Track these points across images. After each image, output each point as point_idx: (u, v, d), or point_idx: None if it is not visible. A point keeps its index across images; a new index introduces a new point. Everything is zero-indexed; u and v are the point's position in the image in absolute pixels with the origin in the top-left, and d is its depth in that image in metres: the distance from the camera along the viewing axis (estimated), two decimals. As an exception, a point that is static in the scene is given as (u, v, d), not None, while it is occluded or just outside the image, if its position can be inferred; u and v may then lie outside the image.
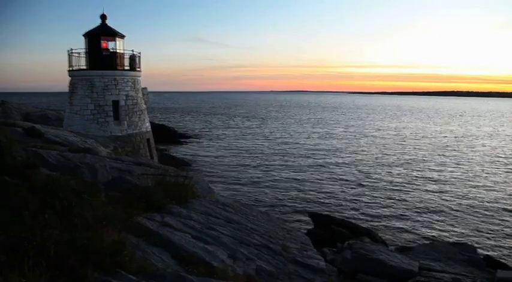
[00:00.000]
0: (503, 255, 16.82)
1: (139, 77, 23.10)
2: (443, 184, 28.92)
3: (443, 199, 25.07)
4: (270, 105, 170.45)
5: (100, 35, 21.55)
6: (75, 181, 5.59)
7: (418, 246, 14.98)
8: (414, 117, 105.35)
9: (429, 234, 19.27)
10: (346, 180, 29.65)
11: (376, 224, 20.57)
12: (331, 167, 34.74)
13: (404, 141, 53.11)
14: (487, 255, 15.41)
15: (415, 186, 28.17)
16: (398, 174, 32.12)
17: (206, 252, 5.21)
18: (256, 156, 39.54)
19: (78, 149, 10.86)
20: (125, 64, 22.28)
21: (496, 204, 24.06)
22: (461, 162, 37.39)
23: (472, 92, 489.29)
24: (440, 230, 19.85)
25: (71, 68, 21.74)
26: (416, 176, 31.36)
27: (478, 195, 26.04)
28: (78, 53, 21.54)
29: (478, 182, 29.72)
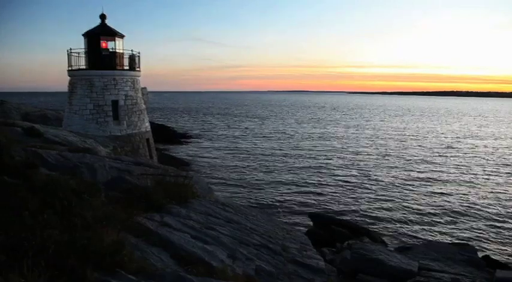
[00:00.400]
0: (503, 255, 16.84)
1: (138, 76, 23.10)
2: (443, 184, 28.94)
3: (443, 199, 25.09)
4: (270, 105, 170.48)
5: (99, 34, 21.55)
6: (75, 181, 5.59)
7: (418, 246, 15.00)
8: (414, 117, 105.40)
9: (429, 234, 19.30)
10: (346, 180, 29.66)
11: (376, 224, 20.59)
12: (330, 166, 34.75)
13: (405, 141, 53.15)
14: (487, 255, 15.43)
15: (414, 187, 28.19)
16: (398, 174, 32.14)
17: (205, 252, 5.22)
18: (256, 156, 39.55)
19: (78, 149, 10.86)
20: (125, 64, 22.27)
21: (496, 205, 24.08)
22: (462, 163, 37.41)
23: (471, 92, 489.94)
24: (439, 230, 19.87)
25: (70, 68, 21.74)
26: (416, 176, 31.38)
27: (478, 196, 26.06)
28: (78, 53, 21.54)
29: (479, 182, 29.74)
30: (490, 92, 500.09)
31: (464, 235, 19.24)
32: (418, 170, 33.84)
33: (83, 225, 4.22)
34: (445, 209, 23.05)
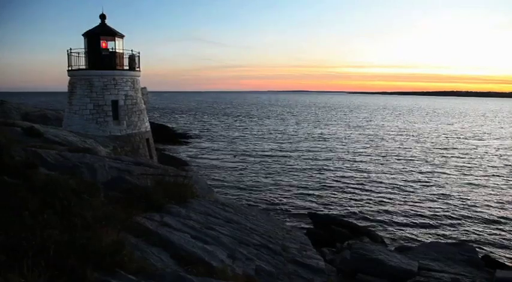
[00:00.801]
0: (503, 255, 16.84)
1: (138, 76, 23.10)
2: (444, 184, 28.94)
3: (443, 199, 25.08)
4: (270, 105, 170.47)
5: (99, 34, 21.55)
6: (75, 181, 5.59)
7: (418, 246, 15.00)
8: (415, 117, 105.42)
9: (429, 234, 19.29)
10: (346, 181, 29.65)
11: (376, 224, 20.58)
12: (331, 166, 34.75)
13: (405, 141, 53.14)
14: (486, 255, 15.44)
15: (415, 187, 28.18)
16: (398, 174, 32.13)
17: (205, 252, 5.22)
18: (256, 157, 39.54)
19: (78, 149, 10.86)
20: (124, 64, 22.27)
21: (496, 205, 24.07)
22: (462, 163, 37.40)
23: (471, 92, 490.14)
24: (439, 230, 19.86)
25: (70, 68, 21.74)
26: (416, 177, 31.38)
27: (478, 196, 26.06)
28: (78, 53, 21.54)
29: (479, 183, 29.71)
30: (490, 92, 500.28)
31: (465, 235, 19.24)
32: (418, 170, 33.83)
33: (82, 225, 4.22)
34: (445, 209, 23.05)
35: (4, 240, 3.52)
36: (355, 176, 31.29)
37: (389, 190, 27.10)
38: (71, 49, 21.44)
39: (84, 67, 21.55)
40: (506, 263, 15.15)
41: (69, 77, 22.07)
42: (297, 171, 32.80)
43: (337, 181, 29.44)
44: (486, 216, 21.90)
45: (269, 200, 24.42)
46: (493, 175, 32.16)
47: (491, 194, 26.54)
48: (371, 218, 21.51)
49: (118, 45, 21.97)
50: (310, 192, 26.39)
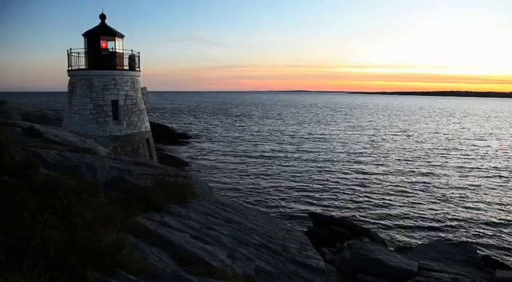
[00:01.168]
0: (503, 255, 16.84)
1: (138, 76, 23.10)
2: (444, 185, 28.93)
3: (443, 199, 25.09)
4: (269, 105, 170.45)
5: (99, 34, 21.56)
6: (75, 181, 5.59)
7: (418, 246, 15.00)
8: (415, 117, 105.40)
9: (429, 234, 19.29)
10: (346, 181, 29.65)
11: (376, 224, 20.58)
12: (331, 166, 34.74)
13: (406, 141, 53.15)
14: (486, 255, 15.43)
15: (415, 187, 28.17)
16: (398, 174, 32.13)
17: (205, 252, 5.22)
18: (256, 156, 39.54)
19: (78, 149, 10.86)
20: (124, 64, 22.28)
21: (496, 205, 24.07)
22: (463, 164, 37.40)
23: (471, 92, 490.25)
24: (439, 231, 19.86)
25: (70, 68, 21.74)
26: (417, 177, 31.37)
27: (478, 196, 26.06)
28: (78, 53, 21.55)
29: (479, 183, 29.71)
30: (490, 92, 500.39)
31: (465, 235, 19.24)
32: (418, 170, 33.82)
33: (82, 225, 4.22)
34: (446, 209, 23.04)
35: (4, 240, 3.52)
36: (355, 176, 31.30)
37: (390, 190, 27.10)
38: (71, 49, 21.46)
39: (84, 67, 21.55)
40: (506, 263, 15.14)
41: (69, 77, 22.07)
42: (297, 171, 32.80)
43: (337, 181, 29.44)
44: (486, 217, 21.90)
45: (269, 200, 24.42)
46: (494, 176, 32.15)
47: (491, 194, 26.53)
48: (371, 218, 21.50)
49: (118, 45, 21.98)
50: (310, 192, 26.38)
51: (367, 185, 28.48)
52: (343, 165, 35.65)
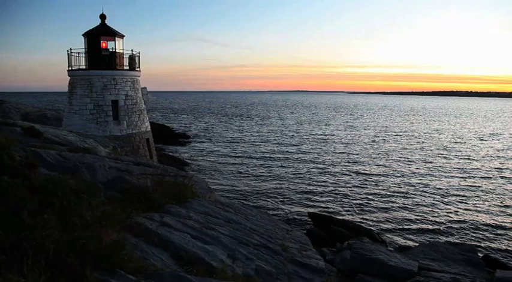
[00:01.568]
0: (503, 255, 16.84)
1: (138, 76, 23.11)
2: (444, 185, 28.93)
3: (443, 199, 25.09)
4: (269, 105, 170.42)
5: (99, 34, 21.57)
6: (74, 181, 5.59)
7: (418, 246, 14.99)
8: (415, 117, 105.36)
9: (429, 234, 19.29)
10: (346, 181, 29.66)
11: (376, 224, 20.58)
12: (331, 166, 34.75)
13: (406, 141, 53.14)
14: (486, 255, 15.43)
15: (415, 187, 28.18)
16: (398, 175, 32.13)
17: (205, 252, 5.21)
18: (256, 156, 39.54)
19: (77, 149, 10.85)
20: (124, 64, 22.29)
21: (496, 205, 24.07)
22: (463, 164, 37.40)
23: (471, 92, 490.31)
24: (440, 231, 19.86)
25: (70, 68, 21.75)
26: (417, 177, 31.38)
27: (478, 196, 26.06)
28: (78, 53, 21.56)
29: (480, 183, 29.72)
30: (490, 92, 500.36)
31: (465, 235, 19.24)
32: (419, 171, 33.83)
33: (82, 225, 4.22)
34: (446, 210, 23.05)
35: (3, 239, 3.51)
36: (355, 176, 31.29)
37: (390, 190, 27.10)
38: (71, 49, 21.47)
39: (84, 67, 21.56)
40: (506, 263, 15.13)
41: (69, 77, 22.08)
42: (297, 171, 32.80)
43: (337, 182, 29.44)
44: (487, 216, 21.90)
45: (269, 200, 24.42)
46: (494, 176, 32.15)
47: (491, 194, 26.53)
48: (371, 218, 21.50)
49: (118, 45, 21.99)
50: (310, 192, 26.39)
51: (367, 185, 28.48)
52: (343, 165, 35.64)
